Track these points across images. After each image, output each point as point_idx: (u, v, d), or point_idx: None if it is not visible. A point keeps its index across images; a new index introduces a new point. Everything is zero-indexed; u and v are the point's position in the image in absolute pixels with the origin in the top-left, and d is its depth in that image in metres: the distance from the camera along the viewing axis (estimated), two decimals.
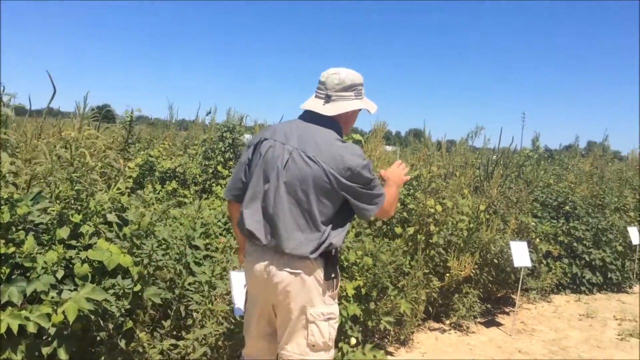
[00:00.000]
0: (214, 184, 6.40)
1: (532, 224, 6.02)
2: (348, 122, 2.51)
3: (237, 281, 3.04)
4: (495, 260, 5.49)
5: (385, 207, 2.42)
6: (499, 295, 6.33)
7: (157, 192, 6.10)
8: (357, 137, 5.83)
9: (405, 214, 4.95)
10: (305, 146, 2.28)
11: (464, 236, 5.19)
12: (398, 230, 4.85)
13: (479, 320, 5.63)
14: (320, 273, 2.34)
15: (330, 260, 2.35)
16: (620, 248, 7.45)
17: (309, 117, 2.41)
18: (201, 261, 3.77)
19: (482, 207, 5.16)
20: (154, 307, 3.20)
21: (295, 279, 2.29)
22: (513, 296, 6.64)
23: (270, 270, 2.32)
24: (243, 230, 2.40)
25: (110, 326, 2.66)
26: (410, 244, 4.90)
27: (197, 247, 3.62)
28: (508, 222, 5.78)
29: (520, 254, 5.33)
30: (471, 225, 5.16)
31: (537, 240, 6.07)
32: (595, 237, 7.44)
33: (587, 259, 7.24)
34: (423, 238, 4.95)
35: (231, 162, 6.76)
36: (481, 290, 5.55)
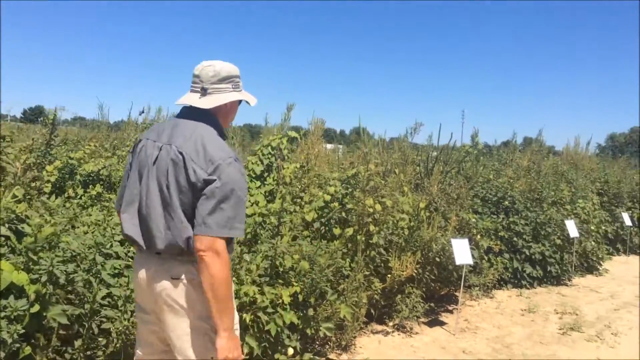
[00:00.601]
0: None
1: (473, 220, 5.94)
2: (227, 115, 2.32)
3: None
4: (437, 259, 5.36)
5: (220, 264, 1.99)
6: (442, 293, 6.23)
7: (79, 197, 5.64)
8: (293, 134, 5.58)
9: (344, 214, 4.72)
10: (172, 140, 2.12)
11: (405, 235, 5.02)
12: (337, 231, 4.63)
13: (422, 320, 5.48)
14: None
15: None
16: (558, 241, 7.52)
17: (186, 112, 2.24)
18: (122, 272, 3.42)
19: (422, 205, 5.01)
20: (63, 327, 2.84)
21: (178, 286, 2.08)
22: (456, 294, 6.55)
23: (153, 276, 2.12)
24: (124, 236, 2.20)
25: (2, 354, 2.29)
26: (350, 245, 4.69)
27: (112, 256, 3.26)
28: (449, 219, 5.67)
29: (462, 251, 5.22)
30: (412, 224, 5.00)
31: (478, 236, 5.99)
32: (534, 231, 7.48)
33: (527, 254, 7.26)
34: (363, 239, 4.75)
35: None
36: (424, 289, 5.41)
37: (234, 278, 3.75)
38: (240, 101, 2.34)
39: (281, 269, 3.93)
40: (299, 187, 5.56)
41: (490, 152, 11.65)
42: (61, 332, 2.89)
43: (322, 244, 4.17)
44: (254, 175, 5.43)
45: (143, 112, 9.63)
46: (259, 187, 5.39)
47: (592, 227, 8.78)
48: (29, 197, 3.03)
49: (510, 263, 7.18)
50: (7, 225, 2.54)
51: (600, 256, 8.61)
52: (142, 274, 2.15)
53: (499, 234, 7.06)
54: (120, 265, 3.39)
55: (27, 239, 2.51)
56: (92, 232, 3.37)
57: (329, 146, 9.74)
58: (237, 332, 2.22)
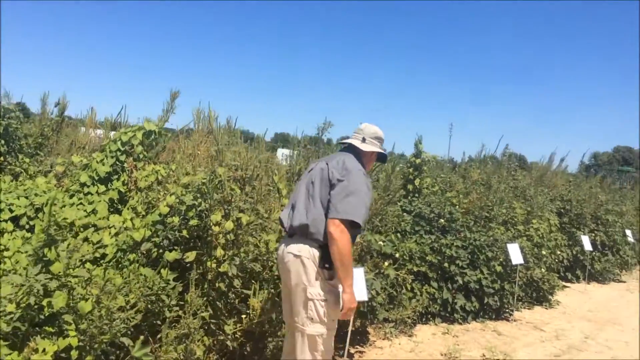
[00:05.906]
0: None
1: (380, 243, 4.80)
2: (369, 160, 3.37)
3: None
4: None
5: (345, 239, 2.86)
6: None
7: None
8: (150, 126, 4.40)
9: (185, 232, 3.56)
10: (325, 160, 3.15)
11: (269, 265, 3.89)
12: (171, 255, 3.44)
13: None
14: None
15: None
16: (499, 268, 6.41)
17: (344, 149, 3.30)
18: None
19: (244, 220, 3.84)
20: None
21: (298, 259, 2.97)
22: (369, 330, 5.43)
23: (285, 251, 3.04)
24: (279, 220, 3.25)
25: None
26: (190, 273, 3.53)
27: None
28: None
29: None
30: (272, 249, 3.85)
31: (386, 264, 4.85)
32: (472, 255, 6.37)
33: (461, 282, 6.15)
34: (214, 266, 3.61)
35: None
36: None
37: None
38: (377, 156, 3.40)
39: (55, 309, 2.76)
40: (162, 194, 4.40)
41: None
42: None
43: (117, 273, 3.00)
44: (96, 178, 4.25)
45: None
46: (103, 192, 4.22)
47: (544, 252, 7.69)
48: None
49: (439, 293, 6.07)
50: None
51: (551, 285, 7.51)
52: (280, 250, 3.09)
53: (427, 258, 5.96)
54: None
55: None
56: None
57: (285, 152, 8.39)
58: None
